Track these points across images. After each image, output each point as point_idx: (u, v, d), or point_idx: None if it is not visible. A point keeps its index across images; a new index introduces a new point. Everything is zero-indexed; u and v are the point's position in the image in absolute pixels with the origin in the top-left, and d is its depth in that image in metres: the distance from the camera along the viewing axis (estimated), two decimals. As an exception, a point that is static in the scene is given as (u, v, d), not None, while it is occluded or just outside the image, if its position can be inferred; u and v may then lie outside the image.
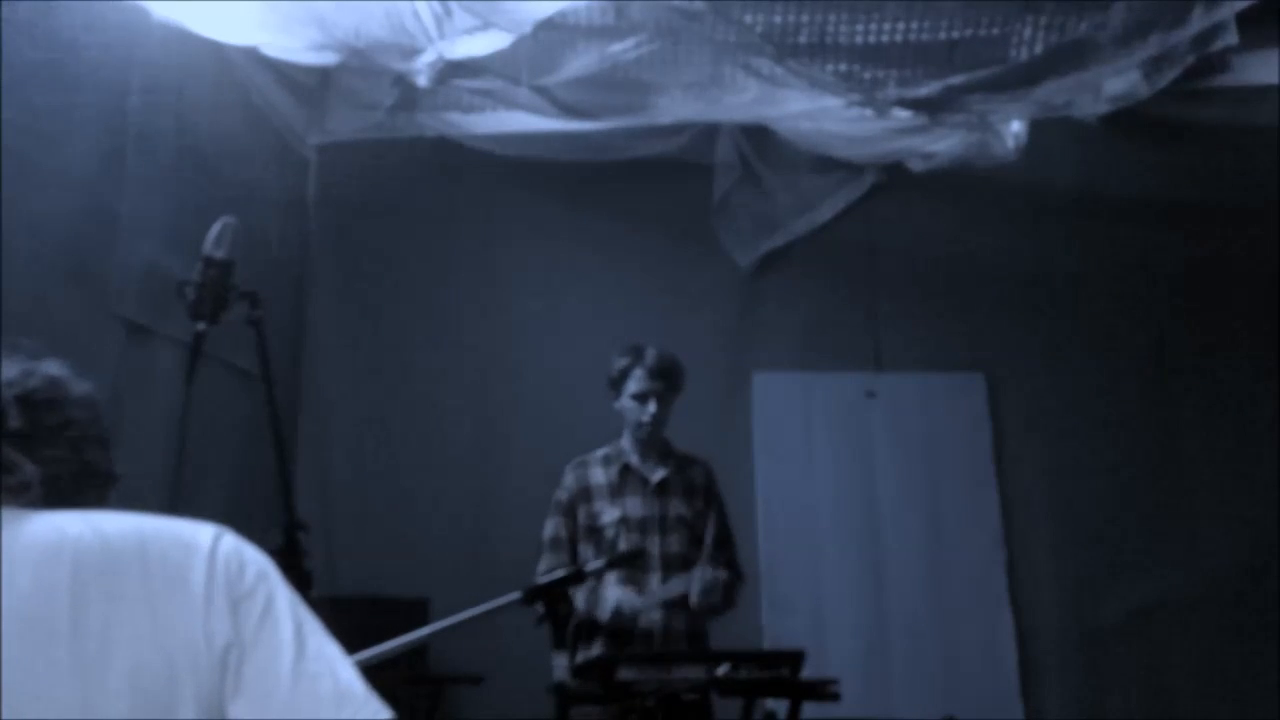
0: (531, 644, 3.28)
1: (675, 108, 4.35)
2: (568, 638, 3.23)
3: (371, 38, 3.78)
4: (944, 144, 4.65)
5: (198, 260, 2.43)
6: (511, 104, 4.45)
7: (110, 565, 1.07)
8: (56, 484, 1.18)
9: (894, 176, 4.97)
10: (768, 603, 4.59)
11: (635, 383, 3.42)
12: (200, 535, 1.12)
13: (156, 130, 3.74)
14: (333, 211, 5.17)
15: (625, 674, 2.89)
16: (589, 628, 3.30)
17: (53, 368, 1.24)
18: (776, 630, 4.53)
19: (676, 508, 3.43)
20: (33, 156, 3.09)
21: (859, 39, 3.85)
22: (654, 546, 3.35)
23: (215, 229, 2.45)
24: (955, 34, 3.84)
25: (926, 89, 4.02)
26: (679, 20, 3.67)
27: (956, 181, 4.84)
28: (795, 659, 2.89)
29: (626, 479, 3.45)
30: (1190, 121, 4.78)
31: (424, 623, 2.40)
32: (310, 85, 4.75)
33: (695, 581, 3.25)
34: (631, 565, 3.22)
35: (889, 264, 5.03)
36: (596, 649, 3.28)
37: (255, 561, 1.13)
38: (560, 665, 3.17)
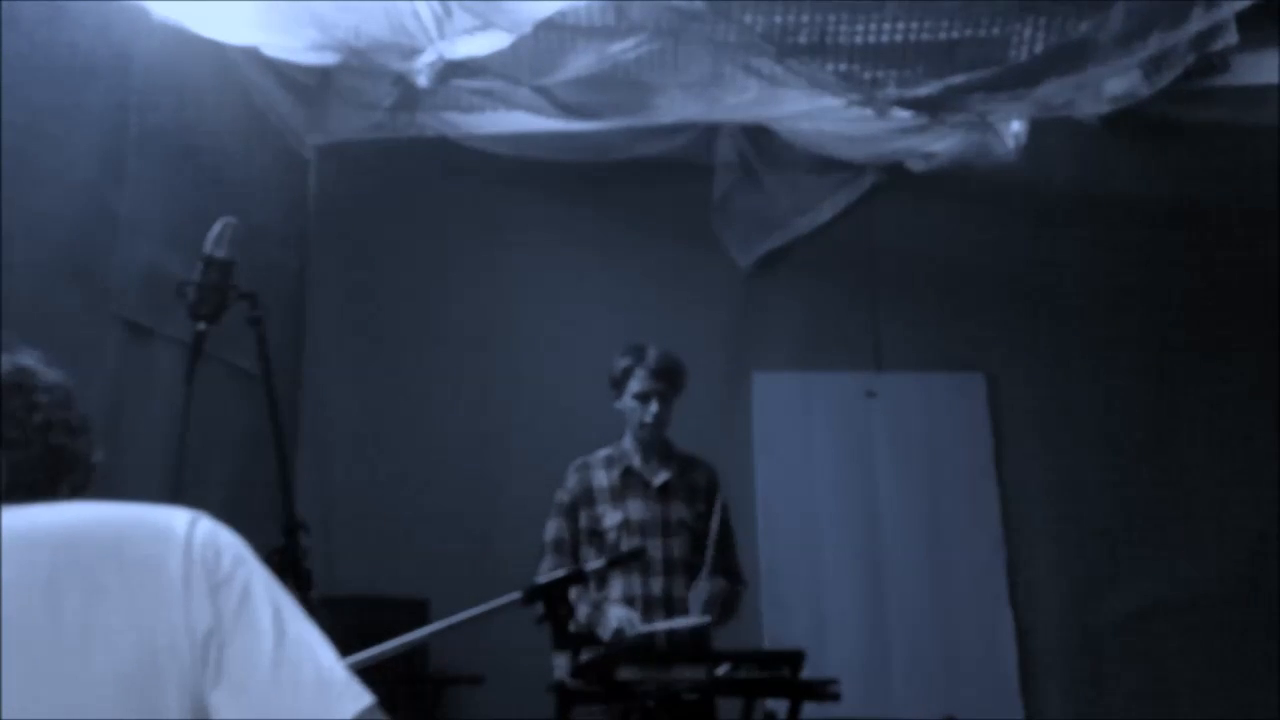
0: (531, 644, 3.28)
1: (675, 108, 4.35)
2: (569, 643, 3.23)
3: (371, 38, 3.78)
4: (944, 144, 4.65)
5: (198, 260, 2.43)
6: (511, 104, 4.45)
7: (86, 556, 1.06)
8: (22, 470, 1.17)
9: (894, 176, 4.97)
10: (768, 603, 4.59)
11: (637, 383, 3.42)
12: (175, 521, 1.11)
13: (156, 130, 3.74)
14: (333, 211, 5.17)
15: (625, 674, 2.88)
16: (589, 640, 3.28)
17: (24, 358, 1.24)
18: (776, 630, 4.52)
19: (679, 511, 3.42)
20: (33, 156, 3.09)
21: (859, 39, 3.86)
22: (656, 550, 3.34)
23: (215, 229, 2.45)
24: (955, 34, 3.85)
25: (926, 89, 4.02)
26: (679, 20, 3.67)
27: (956, 181, 4.84)
28: (795, 659, 2.89)
29: (629, 481, 3.44)
30: (1190, 121, 4.78)
31: (424, 623, 2.39)
32: (310, 85, 4.75)
33: (692, 601, 3.25)
34: (631, 565, 3.22)
35: (889, 264, 5.03)
36: (597, 649, 3.27)
37: (231, 546, 1.12)
38: (560, 665, 3.17)
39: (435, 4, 3.61)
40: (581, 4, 3.64)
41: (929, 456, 4.83)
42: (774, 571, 4.66)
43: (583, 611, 3.27)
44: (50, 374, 1.24)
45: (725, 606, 3.36)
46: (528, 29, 3.61)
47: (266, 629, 1.07)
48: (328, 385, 4.99)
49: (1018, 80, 3.94)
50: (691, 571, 3.34)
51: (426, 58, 3.85)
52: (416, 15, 3.65)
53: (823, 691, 2.87)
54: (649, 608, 3.31)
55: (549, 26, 3.67)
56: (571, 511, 3.43)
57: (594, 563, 2.83)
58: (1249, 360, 4.67)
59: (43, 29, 3.15)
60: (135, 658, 1.02)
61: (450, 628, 2.26)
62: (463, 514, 4.75)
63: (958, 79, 3.96)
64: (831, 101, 4.17)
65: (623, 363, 3.45)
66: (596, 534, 3.38)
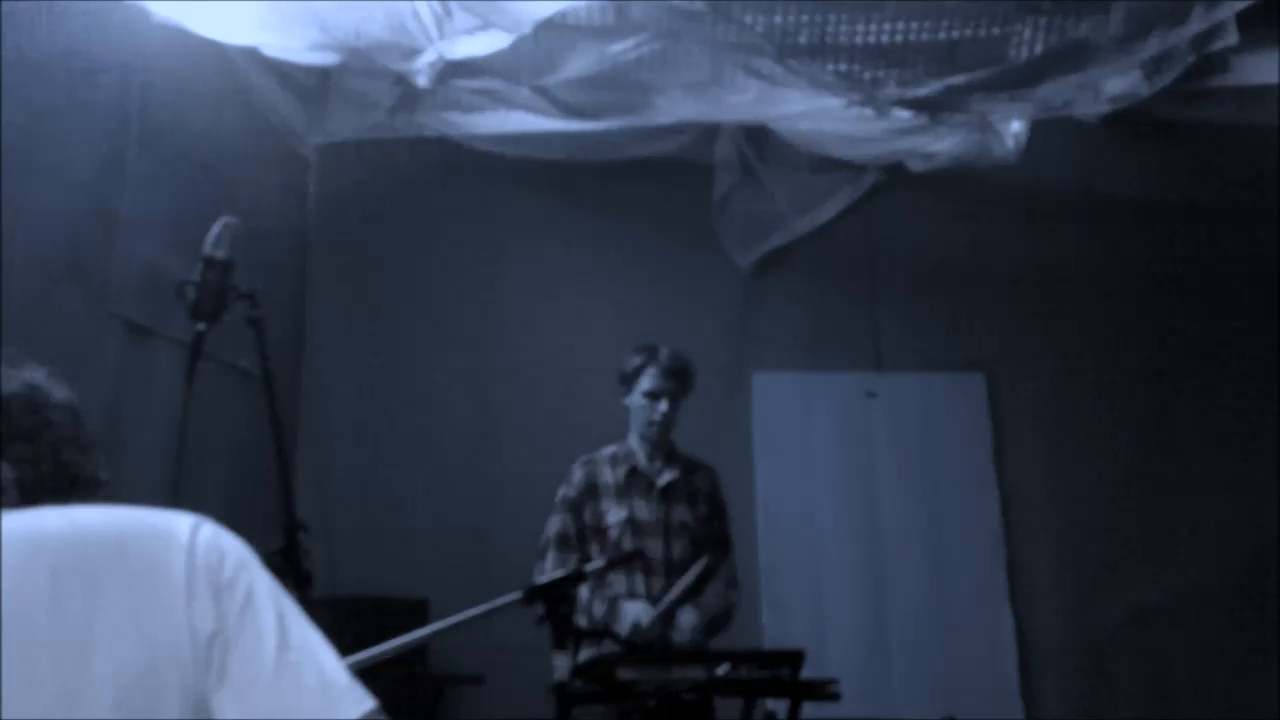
0: (531, 644, 3.28)
1: (675, 108, 4.35)
2: (574, 640, 3.23)
3: (371, 38, 3.78)
4: (944, 144, 4.65)
5: (198, 260, 2.43)
6: (511, 104, 4.45)
7: (89, 559, 1.06)
8: (33, 487, 1.17)
9: (894, 176, 4.97)
10: (768, 603, 4.59)
11: (648, 381, 3.42)
12: (178, 525, 1.11)
13: (156, 130, 3.74)
14: (333, 211, 5.17)
15: (625, 674, 2.88)
16: (604, 635, 3.27)
17: (33, 374, 1.24)
18: (776, 630, 4.53)
19: (680, 513, 3.42)
20: (33, 156, 3.09)
21: (859, 39, 3.86)
22: (658, 551, 3.34)
23: (215, 229, 2.45)
24: (955, 34, 3.84)
25: (926, 89, 4.02)
26: (679, 20, 3.67)
27: (956, 181, 4.84)
28: (795, 659, 2.89)
29: (633, 480, 3.44)
30: (1190, 121, 4.78)
31: (424, 623, 2.40)
32: (310, 85, 4.75)
33: (683, 624, 3.26)
34: (632, 565, 3.22)
35: (889, 264, 5.03)
36: (598, 649, 3.27)
37: (234, 550, 1.12)
38: (560, 665, 3.17)
39: (435, 4, 3.61)
40: (581, 4, 3.64)
41: (929, 456, 4.83)
42: (774, 572, 4.66)
43: (597, 608, 3.27)
44: (59, 391, 1.25)
45: (712, 627, 3.36)
46: (528, 29, 3.61)
47: (270, 633, 1.08)
48: (328, 385, 4.99)
49: (1018, 80, 3.94)
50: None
51: (426, 58, 3.85)
52: (416, 15, 3.65)
53: (823, 691, 2.87)
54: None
55: (549, 26, 3.67)
56: (577, 507, 3.43)
57: (593, 563, 2.84)
58: (1249, 360, 4.67)
59: (43, 29, 3.15)
60: (137, 661, 1.02)
61: (450, 628, 2.26)
62: (463, 514, 4.75)
63: (958, 79, 3.96)
64: (831, 101, 4.17)
65: (635, 360, 3.45)
66: (599, 531, 3.38)
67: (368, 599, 4.25)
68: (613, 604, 3.29)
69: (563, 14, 3.62)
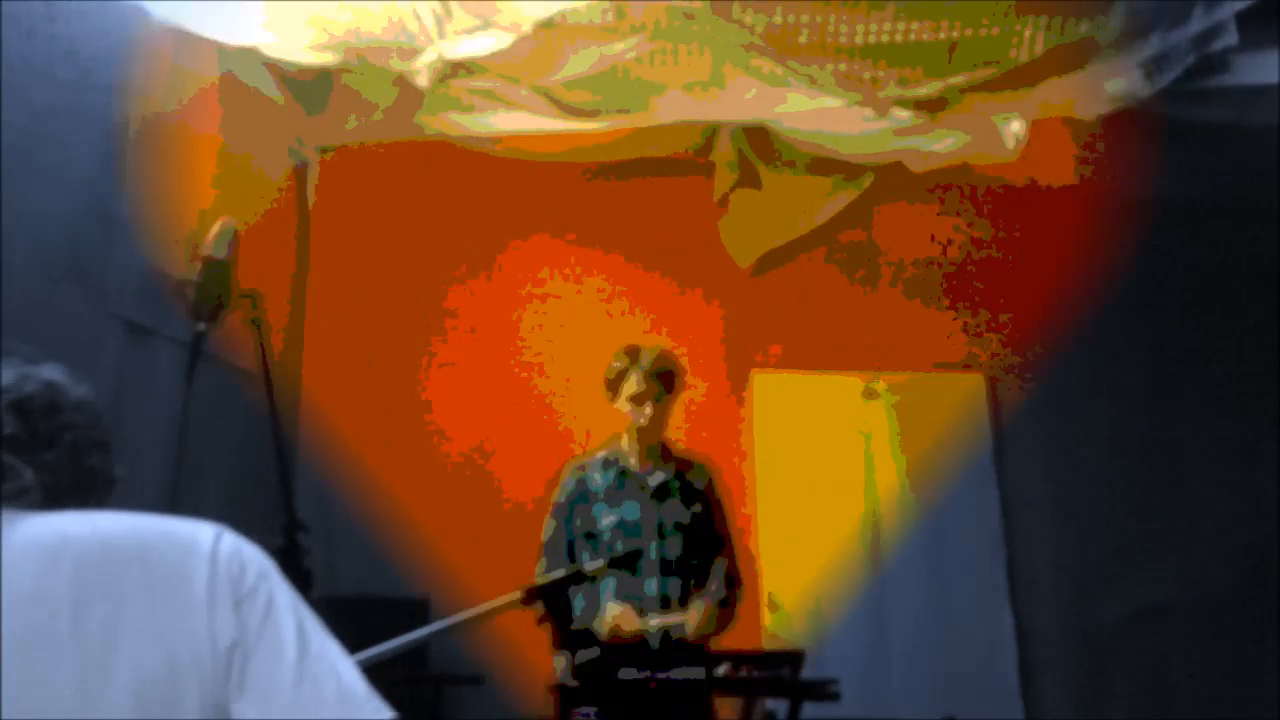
0: (531, 644, 3.28)
1: (675, 108, 4.34)
2: (569, 639, 3.24)
3: (371, 38, 3.78)
4: (944, 144, 4.64)
5: (198, 260, 2.43)
6: (511, 104, 4.44)
7: (111, 566, 1.06)
8: (55, 490, 1.17)
9: (894, 176, 4.96)
10: (768, 603, 4.59)
11: (631, 384, 3.41)
12: (201, 534, 1.12)
13: (156, 130, 3.73)
14: (333, 212, 5.17)
15: (625, 674, 2.89)
16: (585, 636, 3.28)
17: (50, 372, 1.23)
18: (776, 630, 4.52)
19: (674, 513, 3.42)
20: (33, 156, 3.08)
21: (859, 39, 3.85)
22: (651, 551, 3.34)
23: (215, 229, 2.45)
24: (955, 34, 3.84)
25: (926, 89, 4.02)
26: (679, 20, 3.67)
27: (956, 181, 4.84)
28: (795, 659, 2.89)
29: (625, 483, 3.44)
30: (1190, 121, 4.77)
31: (424, 623, 2.39)
32: (310, 85, 4.74)
33: (690, 619, 3.24)
34: (628, 567, 3.22)
35: (889, 264, 5.02)
36: (597, 650, 3.27)
37: (256, 560, 1.13)
38: (561, 665, 3.17)
39: (435, 4, 3.61)
40: (581, 4, 3.63)
41: (929, 456, 4.82)
42: (774, 571, 4.65)
43: (579, 608, 3.28)
44: (77, 389, 1.24)
45: (720, 618, 3.36)
46: (528, 29, 3.61)
47: (290, 643, 1.08)
48: (328, 385, 4.99)
49: (1018, 80, 3.93)
50: (687, 573, 3.34)
51: (426, 58, 3.84)
52: (416, 15, 3.65)
53: (823, 691, 2.88)
54: (644, 608, 3.31)
55: (549, 26, 3.66)
56: (567, 512, 3.43)
57: (592, 563, 2.84)
58: (1249, 360, 4.67)
59: (43, 29, 3.15)
60: (157, 667, 1.03)
61: (450, 628, 2.26)
62: (463, 514, 4.75)
63: (958, 79, 3.95)
64: (831, 101, 4.16)
65: (617, 365, 3.45)
66: (592, 535, 3.38)
67: (368, 599, 4.25)
68: (592, 602, 3.28)
69: (563, 14, 3.62)
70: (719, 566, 3.43)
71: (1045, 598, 4.65)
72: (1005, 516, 4.73)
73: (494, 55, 3.78)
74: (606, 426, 3.56)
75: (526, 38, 3.67)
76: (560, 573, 2.73)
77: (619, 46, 3.82)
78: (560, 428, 4.56)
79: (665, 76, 4.10)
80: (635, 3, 3.65)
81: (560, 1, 3.52)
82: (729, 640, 3.49)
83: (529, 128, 4.70)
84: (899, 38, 3.90)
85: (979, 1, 3.75)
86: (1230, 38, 3.75)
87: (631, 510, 3.39)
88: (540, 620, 3.25)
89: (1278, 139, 4.52)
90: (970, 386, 4.89)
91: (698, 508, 3.45)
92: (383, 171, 5.09)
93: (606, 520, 3.38)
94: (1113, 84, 4.15)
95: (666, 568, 3.34)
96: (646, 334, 3.68)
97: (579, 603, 3.28)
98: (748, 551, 4.29)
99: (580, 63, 3.92)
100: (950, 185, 4.88)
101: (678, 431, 3.55)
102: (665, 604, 3.31)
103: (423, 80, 3.95)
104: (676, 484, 3.46)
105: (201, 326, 2.39)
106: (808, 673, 2.88)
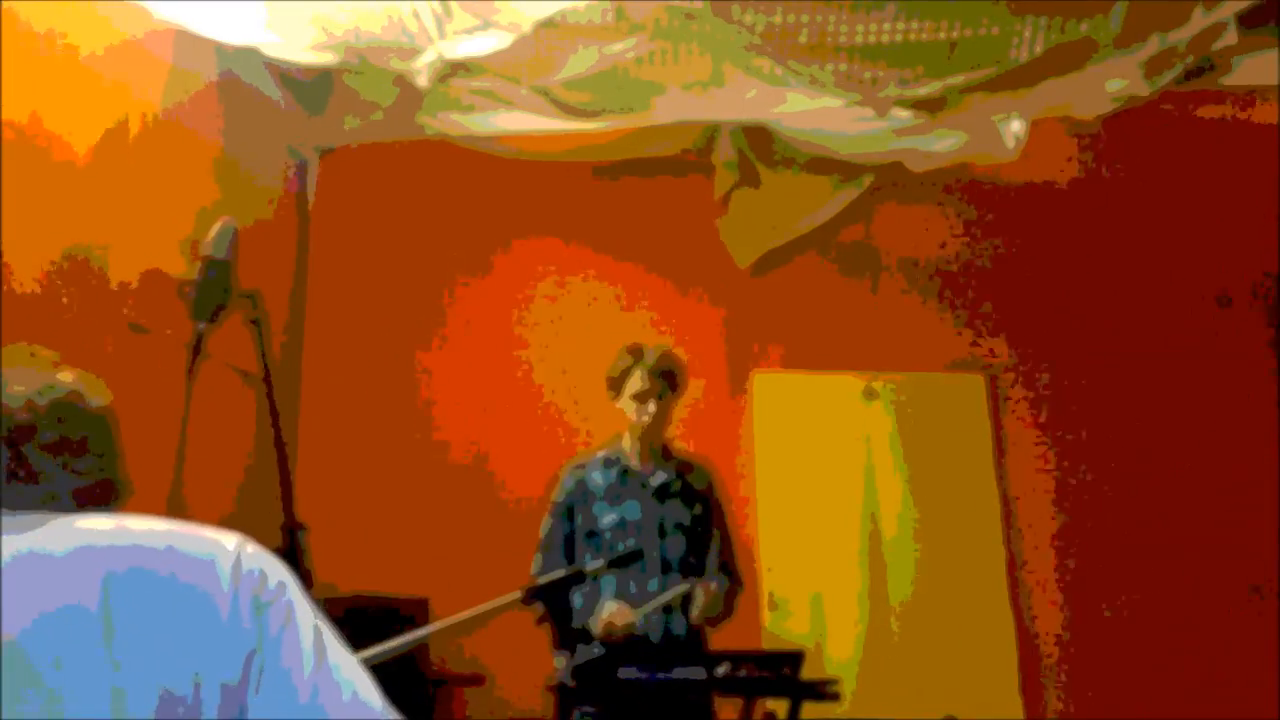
0: (531, 644, 3.28)
1: (675, 108, 4.34)
2: (569, 638, 3.24)
3: (371, 38, 3.78)
4: (944, 144, 4.64)
5: (197, 260, 2.42)
6: (511, 104, 4.44)
7: (140, 569, 1.09)
8: (83, 494, 1.19)
9: (894, 176, 4.96)
10: (768, 603, 4.59)
11: (635, 382, 3.41)
12: (225, 542, 1.14)
13: (156, 130, 3.73)
14: (333, 212, 5.17)
15: (625, 674, 2.89)
16: (585, 635, 3.28)
17: (74, 378, 1.24)
18: (776, 630, 4.52)
19: (676, 513, 3.41)
20: (33, 155, 3.08)
21: (859, 39, 3.84)
22: (652, 551, 3.34)
23: (215, 229, 2.44)
24: (955, 34, 3.83)
25: (926, 89, 4.02)
26: (679, 20, 3.67)
27: (956, 181, 4.84)
28: (795, 659, 2.89)
29: (626, 482, 3.44)
30: (1190, 121, 4.78)
31: (424, 623, 2.39)
32: (310, 85, 4.74)
33: (696, 601, 3.24)
34: (629, 567, 3.21)
35: (889, 264, 5.03)
36: (597, 649, 3.27)
37: (277, 571, 1.15)
38: (561, 665, 3.17)
39: (435, 4, 3.61)
40: (581, 4, 3.63)
41: (929, 456, 4.83)
42: (774, 571, 4.66)
43: (576, 607, 3.27)
44: (97, 396, 1.25)
45: (725, 604, 3.35)
46: (528, 29, 3.61)
47: (308, 652, 1.10)
48: (328, 385, 4.99)
49: (1018, 80, 3.93)
50: (687, 573, 3.33)
51: (426, 58, 3.84)
52: (416, 15, 3.65)
53: (823, 691, 2.88)
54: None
55: (549, 26, 3.66)
56: (567, 512, 3.43)
57: (593, 563, 2.84)
58: (1248, 360, 4.67)
59: (43, 29, 3.15)
60: (180, 670, 1.05)
61: (450, 628, 2.26)
62: (463, 514, 4.75)
63: (958, 79, 3.95)
64: (831, 101, 4.16)
65: (621, 363, 3.45)
66: (593, 534, 3.38)
67: (368, 599, 4.25)
68: (589, 600, 3.28)
69: (563, 14, 3.62)
70: (712, 556, 3.42)
71: (1045, 598, 4.65)
72: (1005, 516, 4.73)
73: (494, 55, 3.78)
74: (607, 426, 3.56)
75: (526, 38, 3.66)
76: (560, 572, 2.72)
77: (619, 46, 3.82)
78: (560, 427, 4.56)
79: (665, 76, 4.10)
80: (635, 3, 3.65)
81: (560, 1, 3.52)
82: (729, 640, 3.49)
83: (529, 128, 4.71)
84: (899, 38, 3.89)
85: (979, 1, 3.74)
86: (1230, 38, 3.75)
87: (633, 510, 3.39)
88: (540, 620, 3.26)
89: (1278, 139, 4.53)
90: (970, 386, 4.89)
91: (698, 509, 3.45)
92: (383, 171, 5.09)
93: (607, 519, 3.38)
94: (1113, 84, 4.15)
95: (667, 567, 3.33)
96: (647, 333, 3.68)
97: (578, 602, 3.28)
98: (748, 551, 4.29)
99: (580, 63, 3.92)
100: (950, 185, 4.88)
101: (678, 431, 3.55)
102: (665, 604, 3.30)
103: (423, 80, 3.95)
104: (678, 484, 3.46)
105: (201, 326, 2.39)
106: (808, 673, 2.88)
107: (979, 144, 4.59)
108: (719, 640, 3.44)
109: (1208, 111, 4.74)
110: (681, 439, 3.56)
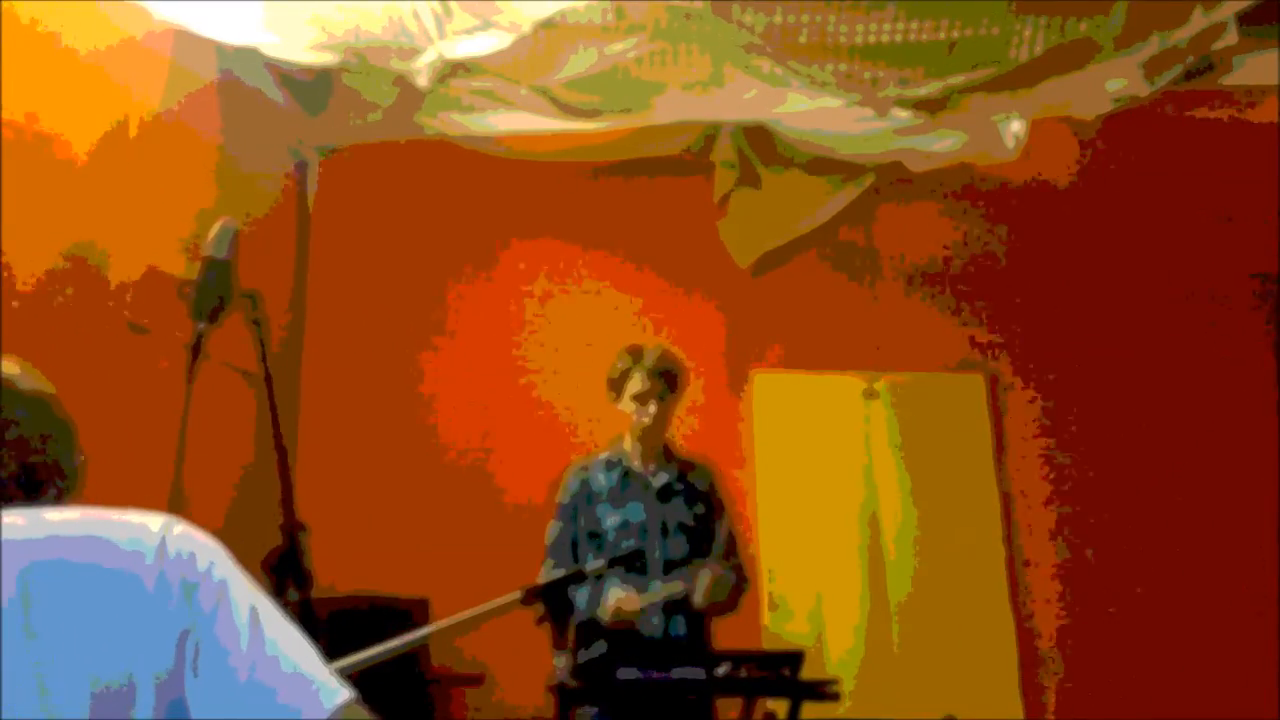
0: (532, 644, 3.28)
1: (675, 108, 4.34)
2: (569, 639, 3.24)
3: (371, 38, 3.78)
4: (944, 144, 4.64)
5: (197, 260, 2.42)
6: (511, 104, 4.44)
7: (60, 561, 1.06)
8: (2, 486, 1.17)
9: (894, 176, 4.97)
10: (768, 603, 4.59)
11: (635, 384, 3.41)
12: (149, 524, 1.11)
13: (155, 130, 3.73)
14: (333, 212, 5.17)
15: (625, 674, 2.89)
16: (591, 629, 3.28)
17: (6, 367, 1.22)
18: (776, 630, 4.52)
19: (678, 513, 3.42)
20: (33, 155, 3.08)
21: (859, 39, 3.84)
22: (655, 551, 3.34)
23: (215, 229, 2.44)
24: (955, 34, 3.83)
25: (926, 89, 4.02)
26: (679, 20, 3.67)
27: (956, 181, 4.84)
28: (795, 659, 2.89)
29: (629, 483, 3.44)
30: (1190, 121, 4.78)
31: (424, 623, 2.39)
32: (310, 85, 4.74)
33: (700, 581, 3.24)
34: (631, 566, 3.21)
35: (889, 264, 5.03)
36: (598, 649, 3.27)
37: (206, 548, 1.12)
38: (561, 665, 3.17)
39: (435, 4, 3.61)
40: (581, 4, 3.63)
41: (929, 456, 4.83)
42: (774, 571, 4.66)
43: (582, 601, 3.27)
44: (28, 382, 1.23)
45: (730, 594, 3.34)
46: (528, 29, 3.61)
47: (244, 628, 1.08)
48: (328, 385, 4.99)
49: (1018, 80, 3.93)
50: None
51: (426, 58, 3.84)
52: (416, 15, 3.64)
53: (823, 691, 2.88)
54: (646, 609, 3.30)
55: (549, 26, 3.66)
56: (571, 513, 3.43)
57: (594, 563, 2.84)
58: (1248, 360, 4.67)
59: (43, 29, 3.15)
60: (111, 661, 1.03)
61: (450, 628, 2.26)
62: (463, 514, 4.75)
63: (958, 79, 3.95)
64: (831, 101, 4.16)
65: (621, 364, 3.45)
66: (595, 535, 3.38)
67: (368, 599, 4.25)
68: (594, 594, 3.27)
69: (563, 14, 3.62)
70: (713, 553, 3.42)
71: (1045, 597, 4.65)
72: (1005, 516, 4.73)
73: (494, 55, 3.78)
74: (607, 427, 3.56)
75: (526, 38, 3.66)
76: (560, 572, 2.73)
77: (619, 46, 3.82)
78: (560, 428, 4.56)
79: (665, 76, 4.10)
80: (635, 3, 3.65)
81: (560, 1, 3.52)
82: (729, 640, 3.49)
83: (529, 128, 4.70)
84: (899, 38, 3.89)
85: (979, 1, 3.74)
86: (1230, 38, 3.75)
87: (636, 511, 3.39)
88: (540, 620, 3.26)
89: (1278, 139, 4.53)
90: (970, 386, 4.89)
91: (700, 509, 3.45)
92: (383, 171, 5.09)
93: (611, 520, 3.38)
94: (1113, 84, 4.15)
95: (670, 568, 3.34)
96: (647, 333, 3.68)
97: (582, 596, 3.27)
98: (748, 552, 4.29)
99: (580, 63, 3.92)
100: (950, 185, 4.88)
101: (678, 431, 3.55)
102: (668, 604, 3.30)
103: (423, 80, 3.95)
104: (680, 485, 3.46)
105: (201, 326, 2.39)
106: (807, 673, 2.88)
107: (979, 144, 4.59)
108: (719, 640, 3.44)
109: (1207, 111, 4.74)
110: (682, 439, 3.56)
